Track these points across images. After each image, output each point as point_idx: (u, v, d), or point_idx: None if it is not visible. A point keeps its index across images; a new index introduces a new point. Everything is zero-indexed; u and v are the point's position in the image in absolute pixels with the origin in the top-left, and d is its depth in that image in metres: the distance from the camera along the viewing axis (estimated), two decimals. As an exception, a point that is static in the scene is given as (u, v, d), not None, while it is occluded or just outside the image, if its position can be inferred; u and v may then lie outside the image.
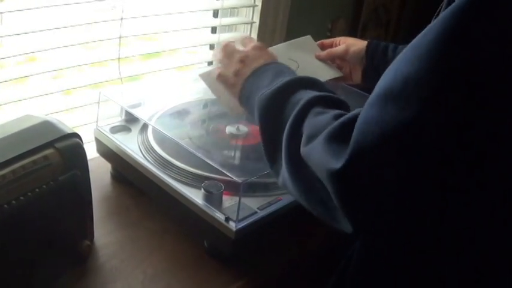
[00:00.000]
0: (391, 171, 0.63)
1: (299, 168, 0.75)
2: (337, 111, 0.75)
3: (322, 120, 0.74)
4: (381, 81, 0.67)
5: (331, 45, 1.28)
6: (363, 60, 1.21)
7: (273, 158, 0.82)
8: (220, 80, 1.00)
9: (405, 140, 0.61)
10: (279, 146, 0.79)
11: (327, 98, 0.81)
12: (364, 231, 0.79)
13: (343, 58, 1.25)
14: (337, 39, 1.28)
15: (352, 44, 1.23)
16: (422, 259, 0.77)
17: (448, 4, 0.63)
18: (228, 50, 1.02)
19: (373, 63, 1.19)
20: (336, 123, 0.69)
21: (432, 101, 0.60)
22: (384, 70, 0.68)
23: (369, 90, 0.70)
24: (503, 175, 0.65)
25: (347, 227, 0.69)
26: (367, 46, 1.21)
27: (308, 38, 1.29)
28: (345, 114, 0.72)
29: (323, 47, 1.28)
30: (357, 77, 1.25)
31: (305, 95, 0.81)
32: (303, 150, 0.73)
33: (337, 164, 0.64)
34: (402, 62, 0.65)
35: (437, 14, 0.72)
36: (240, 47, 1.02)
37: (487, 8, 0.58)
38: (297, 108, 0.79)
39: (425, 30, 0.63)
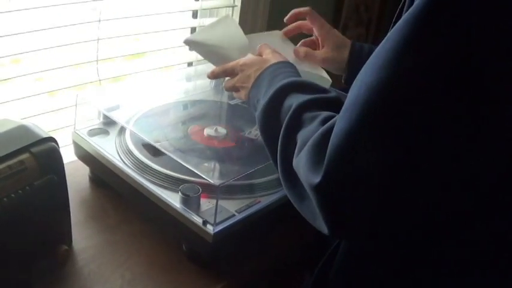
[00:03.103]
0: (365, 183, 0.63)
1: (292, 178, 0.75)
2: (325, 115, 0.76)
3: (310, 128, 0.74)
4: (348, 94, 0.68)
5: (310, 45, 1.22)
6: (344, 71, 1.17)
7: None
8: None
9: (373, 149, 0.62)
10: None
11: (317, 100, 0.80)
12: (349, 239, 0.82)
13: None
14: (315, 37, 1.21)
15: (332, 61, 1.17)
16: (405, 256, 0.78)
17: (403, 9, 0.65)
18: (229, 87, 1.07)
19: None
20: (318, 133, 0.70)
21: (394, 108, 0.61)
22: None
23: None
24: (473, 174, 0.66)
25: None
26: (350, 54, 1.15)
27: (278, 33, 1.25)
28: (332, 117, 0.72)
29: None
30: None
31: (296, 100, 0.81)
32: (294, 161, 0.74)
33: (315, 178, 0.65)
34: (366, 72, 0.66)
35: (396, 19, 0.74)
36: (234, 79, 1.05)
37: (438, 17, 0.59)
38: (288, 115, 0.79)
39: (384, 39, 0.64)
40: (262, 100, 0.87)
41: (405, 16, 0.61)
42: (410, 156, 0.62)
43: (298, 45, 1.21)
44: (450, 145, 0.62)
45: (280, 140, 0.79)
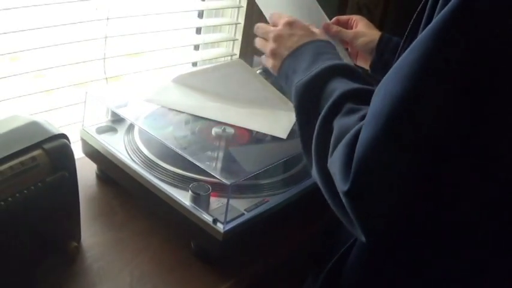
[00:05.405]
0: (393, 190, 0.64)
1: (326, 175, 0.74)
2: (366, 111, 0.74)
3: (349, 121, 0.74)
4: (372, 101, 0.68)
5: (346, 23, 1.25)
6: (371, 52, 1.18)
7: (307, 146, 0.81)
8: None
9: (398, 159, 0.62)
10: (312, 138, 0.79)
11: (361, 91, 0.80)
12: (378, 243, 0.80)
13: (350, 43, 1.23)
14: (352, 18, 1.25)
15: (362, 34, 1.19)
16: (426, 255, 0.77)
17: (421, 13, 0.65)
18: (260, 32, 1.06)
19: (383, 58, 1.16)
20: (351, 132, 0.70)
21: (420, 119, 0.61)
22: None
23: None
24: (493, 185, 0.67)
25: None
26: (379, 40, 1.17)
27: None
28: None
29: (338, 24, 1.24)
30: (362, 63, 1.24)
31: (339, 86, 0.81)
32: (328, 161, 0.73)
33: (344, 185, 0.66)
34: (389, 81, 0.66)
35: (413, 23, 0.74)
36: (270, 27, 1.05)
37: (464, 30, 0.59)
38: (330, 101, 0.78)
39: (408, 49, 0.64)
40: (303, 74, 0.86)
41: (430, 27, 0.61)
42: (436, 166, 0.62)
43: (331, 21, 1.23)
44: (476, 155, 0.62)
45: (318, 123, 0.78)
